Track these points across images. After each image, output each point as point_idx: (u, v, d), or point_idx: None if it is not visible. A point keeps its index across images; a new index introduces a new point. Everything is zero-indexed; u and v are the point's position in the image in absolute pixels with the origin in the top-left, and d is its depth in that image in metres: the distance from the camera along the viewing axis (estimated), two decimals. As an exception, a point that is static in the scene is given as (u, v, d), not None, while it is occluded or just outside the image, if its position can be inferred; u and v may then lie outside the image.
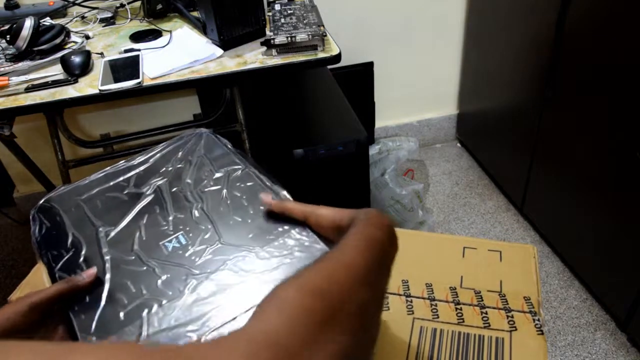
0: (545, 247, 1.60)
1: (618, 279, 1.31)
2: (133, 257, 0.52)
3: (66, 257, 0.54)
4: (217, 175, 0.60)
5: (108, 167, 0.64)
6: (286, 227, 0.52)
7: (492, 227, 1.72)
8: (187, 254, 0.51)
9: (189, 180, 0.60)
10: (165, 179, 0.61)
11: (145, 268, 0.51)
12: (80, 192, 0.61)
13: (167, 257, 0.52)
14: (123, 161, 0.65)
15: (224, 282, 0.48)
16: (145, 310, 0.47)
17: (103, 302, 0.48)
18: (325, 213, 0.50)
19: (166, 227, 0.55)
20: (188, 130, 0.69)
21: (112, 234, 0.55)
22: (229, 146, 0.65)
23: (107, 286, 0.50)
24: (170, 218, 0.56)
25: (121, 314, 0.47)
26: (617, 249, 1.28)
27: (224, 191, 0.58)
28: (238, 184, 0.58)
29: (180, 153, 0.64)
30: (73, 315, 0.47)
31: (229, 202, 0.57)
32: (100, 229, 0.56)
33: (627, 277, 1.26)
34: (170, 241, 0.53)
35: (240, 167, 0.61)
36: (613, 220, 1.28)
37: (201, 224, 0.55)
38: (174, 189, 0.59)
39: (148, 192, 0.59)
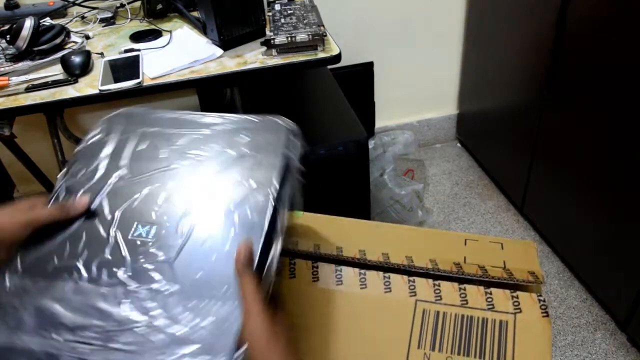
0: (545, 247, 1.60)
1: (618, 279, 1.31)
2: (109, 219, 0.52)
3: (76, 178, 0.55)
4: (246, 183, 0.54)
5: (191, 113, 0.62)
6: (228, 294, 0.47)
7: (492, 227, 1.72)
8: (138, 250, 0.50)
9: (220, 175, 0.55)
10: (206, 158, 0.56)
11: (104, 236, 0.51)
12: (147, 123, 0.61)
13: (126, 240, 0.51)
14: (200, 115, 0.62)
15: (125, 312, 0.46)
16: (67, 278, 0.48)
17: (52, 245, 0.50)
18: (244, 324, 0.46)
19: (155, 210, 0.53)
20: (274, 117, 0.63)
21: (121, 183, 0.55)
22: (292, 155, 0.58)
23: (68, 231, 0.51)
24: (166, 203, 0.53)
25: (52, 266, 0.49)
26: (617, 249, 1.28)
27: (232, 210, 0.52)
28: (249, 209, 0.52)
29: (242, 136, 0.58)
30: (19, 249, 0.50)
31: (222, 223, 0.51)
32: (120, 172, 0.56)
33: (627, 277, 1.26)
34: (142, 226, 0.52)
35: (269, 192, 0.53)
36: (613, 220, 1.28)
37: (178, 231, 0.51)
38: (197, 175, 0.56)
39: (181, 164, 0.57)
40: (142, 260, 0.50)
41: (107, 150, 0.58)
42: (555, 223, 1.55)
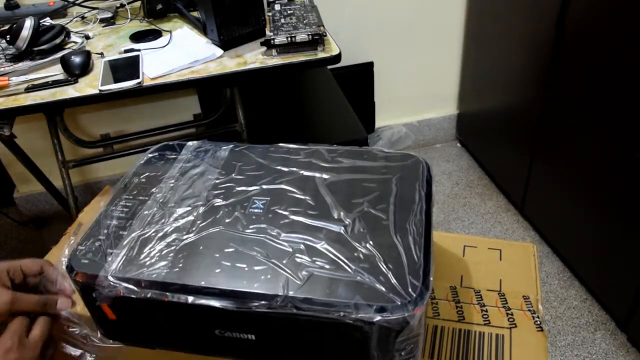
0: (545, 247, 1.60)
1: (618, 279, 1.31)
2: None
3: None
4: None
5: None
6: None
7: (492, 227, 1.72)
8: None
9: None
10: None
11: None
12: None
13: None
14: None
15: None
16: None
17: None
18: None
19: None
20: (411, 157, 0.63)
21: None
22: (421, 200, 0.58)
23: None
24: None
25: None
26: (617, 249, 1.28)
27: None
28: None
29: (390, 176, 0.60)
30: None
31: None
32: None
33: (627, 277, 1.26)
34: (253, 206, 0.56)
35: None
36: (613, 220, 1.28)
37: None
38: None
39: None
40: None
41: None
42: (555, 223, 1.55)
